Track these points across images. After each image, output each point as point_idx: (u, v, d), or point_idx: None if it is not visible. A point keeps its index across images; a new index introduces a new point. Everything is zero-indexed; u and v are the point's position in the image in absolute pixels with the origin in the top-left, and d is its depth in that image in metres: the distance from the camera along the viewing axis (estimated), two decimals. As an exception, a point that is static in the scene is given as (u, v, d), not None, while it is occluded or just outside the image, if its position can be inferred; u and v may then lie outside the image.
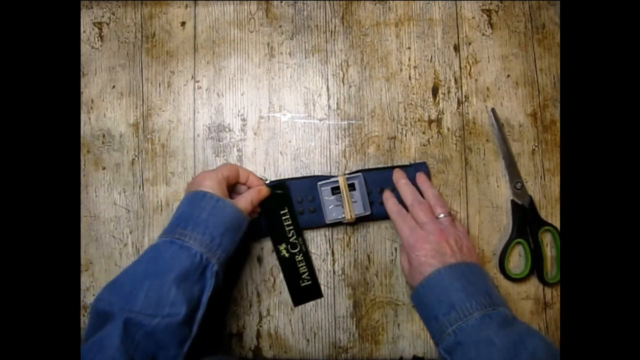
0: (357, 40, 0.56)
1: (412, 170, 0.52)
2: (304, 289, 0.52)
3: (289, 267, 0.51)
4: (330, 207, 0.51)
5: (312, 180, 0.52)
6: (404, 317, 0.51)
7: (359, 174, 0.51)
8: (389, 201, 0.50)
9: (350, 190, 0.50)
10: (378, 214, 0.51)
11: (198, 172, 0.54)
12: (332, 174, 0.53)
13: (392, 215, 0.49)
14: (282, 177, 0.53)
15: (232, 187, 0.50)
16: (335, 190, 0.51)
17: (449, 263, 0.43)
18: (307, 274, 0.51)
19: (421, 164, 0.53)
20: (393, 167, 0.52)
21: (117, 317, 0.37)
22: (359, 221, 0.52)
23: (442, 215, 0.47)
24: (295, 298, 0.52)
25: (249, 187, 0.49)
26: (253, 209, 0.48)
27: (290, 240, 0.51)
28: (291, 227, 0.51)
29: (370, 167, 0.53)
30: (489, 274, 0.45)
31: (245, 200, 0.47)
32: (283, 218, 0.51)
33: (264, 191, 0.49)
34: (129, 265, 0.42)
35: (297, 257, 0.51)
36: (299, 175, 0.54)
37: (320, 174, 0.54)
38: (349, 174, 0.52)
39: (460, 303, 0.40)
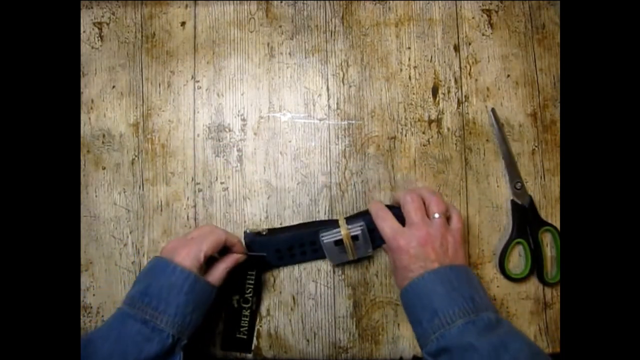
0: (357, 40, 0.56)
1: None
2: (237, 340, 0.51)
3: (232, 317, 0.51)
4: (333, 255, 0.49)
5: (312, 231, 0.50)
6: (404, 317, 0.51)
7: (361, 222, 0.48)
8: (372, 203, 0.49)
9: (353, 240, 0.48)
10: (382, 245, 0.50)
11: (197, 171, 0.54)
12: (333, 220, 0.51)
13: (373, 215, 0.48)
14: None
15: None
16: (339, 242, 0.48)
17: (432, 268, 0.42)
18: (246, 329, 0.51)
19: None
20: (395, 207, 0.50)
21: None
22: (362, 259, 0.52)
23: (436, 216, 0.45)
24: (225, 344, 0.51)
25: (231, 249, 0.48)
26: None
27: (245, 295, 0.51)
28: (251, 287, 0.51)
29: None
30: (475, 275, 0.44)
31: (220, 272, 0.46)
32: (248, 276, 0.50)
33: (240, 259, 0.48)
34: (96, 332, 0.41)
35: (244, 311, 0.51)
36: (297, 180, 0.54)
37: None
38: (349, 218, 0.49)
39: (443, 310, 0.40)
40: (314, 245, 0.50)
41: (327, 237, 0.48)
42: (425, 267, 0.43)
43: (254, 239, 0.50)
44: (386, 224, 0.46)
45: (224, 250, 0.47)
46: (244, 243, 0.50)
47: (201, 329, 0.45)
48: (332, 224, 0.49)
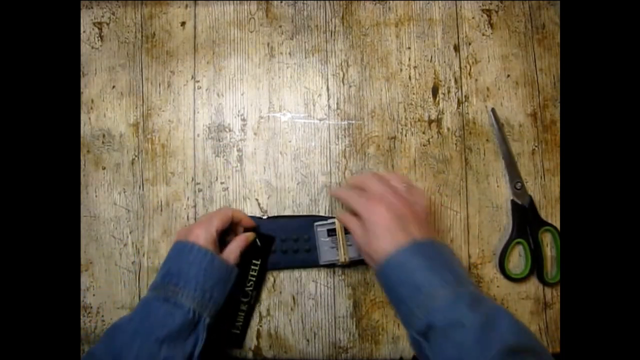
0: (357, 40, 0.56)
1: None
2: (230, 335, 0.50)
3: (228, 310, 0.49)
4: (325, 249, 0.50)
5: (309, 220, 0.51)
6: (404, 317, 0.51)
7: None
8: (332, 189, 0.48)
9: (346, 234, 0.49)
10: None
11: (197, 171, 0.54)
12: (330, 215, 0.52)
13: (339, 196, 0.46)
14: (281, 213, 0.53)
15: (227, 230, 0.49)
16: (331, 232, 0.50)
17: (411, 240, 0.40)
18: (241, 324, 0.50)
19: None
20: None
21: None
22: (353, 264, 0.51)
23: (400, 187, 0.44)
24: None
25: (241, 227, 0.50)
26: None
27: (246, 288, 0.51)
28: (253, 279, 0.51)
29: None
30: (453, 252, 0.43)
31: (234, 251, 0.47)
32: (252, 268, 0.51)
33: (251, 237, 0.50)
34: (123, 319, 0.43)
35: (242, 305, 0.50)
36: (298, 181, 0.54)
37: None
38: None
39: (426, 284, 0.38)
40: (307, 242, 0.51)
41: (321, 226, 0.50)
42: (406, 235, 0.40)
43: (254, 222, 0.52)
44: (355, 196, 0.44)
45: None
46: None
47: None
48: (329, 218, 0.52)
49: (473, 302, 0.37)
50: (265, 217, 0.53)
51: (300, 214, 0.53)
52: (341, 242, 0.49)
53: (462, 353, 0.35)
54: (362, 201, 0.43)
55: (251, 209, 0.53)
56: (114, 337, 0.41)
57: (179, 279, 0.42)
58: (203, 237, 0.45)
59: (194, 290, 0.42)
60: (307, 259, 0.51)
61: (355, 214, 0.44)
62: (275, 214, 0.53)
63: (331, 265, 0.52)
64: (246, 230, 0.51)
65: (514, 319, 0.37)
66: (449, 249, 0.43)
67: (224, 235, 0.48)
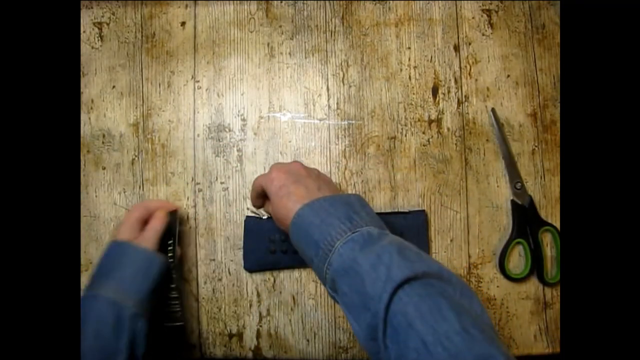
0: (357, 40, 0.56)
1: (410, 218, 0.52)
2: (170, 330, 0.48)
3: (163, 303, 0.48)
4: None
5: None
6: (404, 317, 0.51)
7: None
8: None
9: None
10: None
11: (197, 171, 0.54)
12: None
13: (257, 183, 0.46)
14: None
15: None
16: None
17: (309, 200, 0.40)
18: (179, 312, 0.48)
19: (419, 214, 0.52)
20: (391, 214, 0.51)
21: None
22: None
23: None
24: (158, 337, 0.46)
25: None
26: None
27: (171, 274, 0.48)
28: (172, 260, 0.49)
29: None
30: (358, 198, 0.42)
31: (149, 234, 0.47)
32: (168, 249, 0.49)
33: (163, 215, 0.49)
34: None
35: (171, 292, 0.48)
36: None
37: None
38: None
39: (321, 238, 0.37)
40: None
41: None
42: (299, 199, 0.41)
43: (253, 223, 0.52)
44: (254, 183, 0.46)
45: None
46: (244, 227, 0.52)
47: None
48: None
49: (365, 243, 0.36)
50: (265, 217, 0.52)
51: None
52: None
53: (362, 297, 0.34)
54: (260, 176, 0.45)
55: (251, 209, 0.53)
56: None
57: (98, 275, 0.44)
58: (124, 232, 0.46)
59: (108, 279, 0.43)
60: (294, 259, 0.51)
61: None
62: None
63: None
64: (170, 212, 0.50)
65: (404, 251, 0.36)
66: (353, 196, 0.42)
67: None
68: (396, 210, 0.53)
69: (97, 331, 0.40)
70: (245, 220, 0.52)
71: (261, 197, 0.47)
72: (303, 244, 0.40)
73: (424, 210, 0.52)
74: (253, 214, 0.52)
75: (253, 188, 0.47)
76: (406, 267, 0.34)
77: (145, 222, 0.48)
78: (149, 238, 0.46)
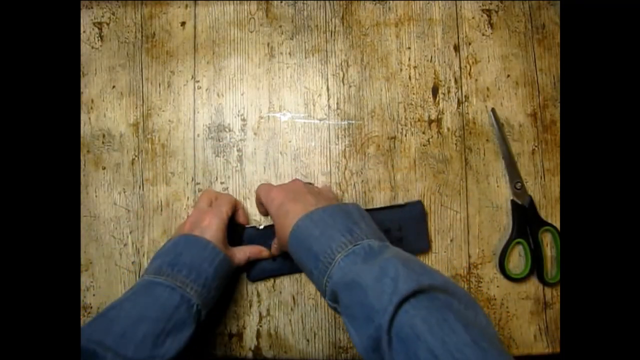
0: (357, 40, 0.56)
1: (407, 210, 0.52)
2: None
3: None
4: None
5: None
6: (404, 317, 0.51)
7: None
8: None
9: None
10: None
11: (197, 171, 0.54)
12: None
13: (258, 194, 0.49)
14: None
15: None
16: None
17: (307, 211, 0.41)
18: None
19: (416, 204, 0.52)
20: (388, 208, 0.52)
21: None
22: None
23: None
24: None
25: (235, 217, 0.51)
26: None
27: None
28: None
29: (371, 207, 0.52)
30: (357, 208, 0.42)
31: (243, 255, 0.48)
32: None
33: (265, 253, 0.50)
34: (117, 302, 0.41)
35: None
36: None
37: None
38: None
39: (321, 251, 0.38)
40: None
41: None
42: (297, 213, 0.41)
43: (252, 233, 0.51)
44: (261, 191, 0.48)
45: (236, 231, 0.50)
46: (243, 239, 0.51)
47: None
48: None
49: (367, 256, 0.36)
50: (261, 226, 0.51)
51: None
52: None
53: (365, 309, 0.34)
54: (262, 190, 0.47)
55: (251, 209, 0.53)
56: (113, 320, 0.39)
57: (190, 272, 0.42)
58: (215, 227, 0.45)
59: (202, 286, 0.42)
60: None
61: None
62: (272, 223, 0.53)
63: None
64: (237, 223, 0.51)
65: (409, 263, 0.36)
66: (352, 206, 0.42)
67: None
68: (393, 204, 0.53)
69: (176, 327, 0.39)
70: (243, 232, 0.51)
71: (263, 206, 0.48)
72: (302, 255, 0.40)
73: (420, 201, 0.52)
74: (250, 225, 0.52)
75: (256, 197, 0.49)
76: (412, 279, 0.33)
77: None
78: (240, 258, 0.48)
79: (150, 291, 0.41)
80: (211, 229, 0.45)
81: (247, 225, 0.52)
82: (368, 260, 0.36)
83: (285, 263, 0.51)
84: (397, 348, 0.32)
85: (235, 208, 0.50)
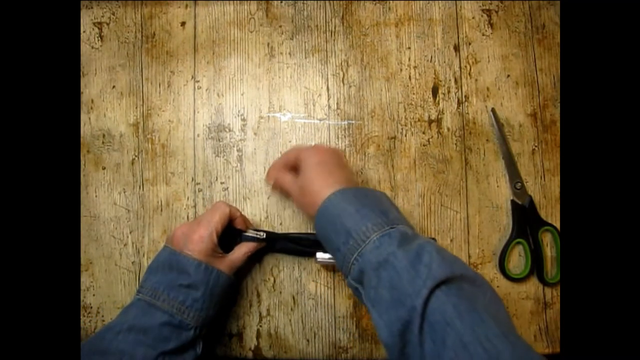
0: (357, 40, 0.56)
1: None
2: None
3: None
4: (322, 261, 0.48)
5: (311, 249, 0.49)
6: (404, 317, 0.51)
7: None
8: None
9: None
10: None
11: (197, 171, 0.54)
12: None
13: (273, 169, 0.49)
14: (280, 215, 0.53)
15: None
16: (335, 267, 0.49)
17: (340, 185, 0.40)
18: None
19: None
20: None
21: None
22: None
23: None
24: None
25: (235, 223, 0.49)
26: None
27: None
28: None
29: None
30: (387, 197, 0.42)
31: (241, 255, 0.47)
32: None
33: (261, 245, 0.50)
34: (119, 323, 0.41)
35: None
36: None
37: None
38: None
39: (356, 228, 0.37)
40: (310, 257, 0.51)
41: (323, 259, 0.47)
42: (331, 184, 0.40)
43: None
44: (289, 153, 0.47)
45: (235, 238, 0.48)
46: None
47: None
48: None
49: (402, 240, 0.36)
50: (262, 236, 0.49)
51: (300, 222, 0.52)
52: None
53: (395, 292, 0.34)
54: (299, 147, 0.46)
55: (251, 209, 0.53)
56: (111, 341, 0.39)
57: (187, 297, 0.42)
58: (205, 244, 0.44)
59: (200, 310, 0.42)
60: (307, 253, 0.51)
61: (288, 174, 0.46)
62: (275, 225, 0.53)
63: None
64: (237, 227, 0.49)
65: (442, 252, 0.36)
66: (380, 192, 0.42)
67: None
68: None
69: (174, 351, 0.40)
70: (241, 239, 0.49)
71: (287, 169, 0.47)
72: (330, 230, 0.39)
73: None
74: (251, 234, 0.49)
75: (284, 156, 0.47)
76: (446, 266, 0.34)
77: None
78: (238, 262, 0.47)
79: (148, 316, 0.41)
80: (201, 245, 0.44)
81: (247, 234, 0.49)
82: (403, 244, 0.36)
83: (282, 243, 0.51)
84: (428, 332, 0.32)
85: (233, 215, 0.48)
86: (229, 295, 0.48)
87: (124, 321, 0.41)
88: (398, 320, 0.33)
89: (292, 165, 0.47)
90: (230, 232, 0.48)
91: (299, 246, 0.50)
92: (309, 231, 0.52)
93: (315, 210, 0.41)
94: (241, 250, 0.47)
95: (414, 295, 0.32)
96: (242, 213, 0.50)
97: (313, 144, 0.46)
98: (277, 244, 0.51)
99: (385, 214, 0.38)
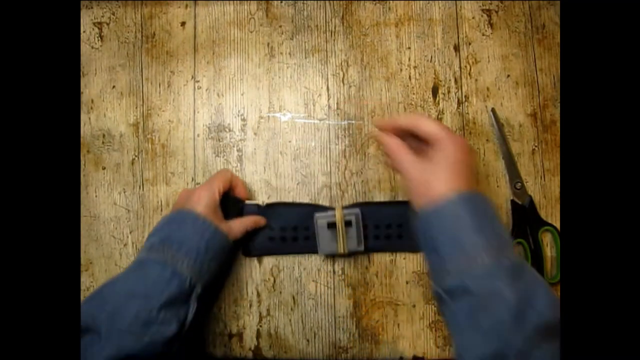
0: (357, 40, 0.56)
1: (410, 207, 0.52)
2: None
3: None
4: (324, 240, 0.50)
5: (309, 210, 0.51)
6: (404, 317, 0.51)
7: (357, 209, 0.49)
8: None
9: (346, 226, 0.49)
10: (372, 249, 0.51)
11: (197, 171, 0.54)
12: (330, 207, 0.52)
13: (398, 120, 0.43)
14: (279, 199, 0.53)
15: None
16: (331, 224, 0.49)
17: (464, 190, 0.37)
18: None
19: None
20: (391, 203, 0.52)
21: (103, 335, 0.37)
22: (352, 254, 0.52)
23: None
24: None
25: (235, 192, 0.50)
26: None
27: None
28: None
29: (370, 200, 0.53)
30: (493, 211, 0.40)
31: (241, 226, 0.48)
32: None
33: (262, 222, 0.51)
34: (113, 279, 0.42)
35: None
36: (299, 176, 0.54)
37: (320, 193, 0.54)
38: (346, 207, 0.51)
39: (470, 244, 0.35)
40: (306, 231, 0.51)
41: (321, 218, 0.49)
42: (460, 186, 0.38)
43: (252, 211, 0.51)
44: (427, 123, 0.41)
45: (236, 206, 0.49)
46: (243, 213, 0.51)
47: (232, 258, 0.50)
48: (329, 209, 0.52)
49: (514, 273, 0.35)
50: (263, 204, 0.52)
51: (301, 201, 0.53)
52: (341, 235, 0.49)
53: (497, 325, 0.33)
54: (442, 126, 0.40)
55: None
56: (107, 296, 0.40)
57: (180, 247, 0.42)
58: (204, 201, 0.45)
59: (194, 261, 0.42)
60: (306, 246, 0.52)
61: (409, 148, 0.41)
62: (274, 201, 0.53)
63: (330, 256, 0.52)
64: (235, 197, 0.50)
65: (552, 294, 0.35)
66: (491, 203, 0.40)
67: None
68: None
69: (168, 302, 0.40)
70: (244, 207, 0.51)
71: (414, 144, 0.42)
72: (439, 232, 0.37)
73: None
74: (251, 202, 0.52)
75: (416, 120, 0.41)
76: (550, 310, 0.34)
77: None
78: (236, 231, 0.47)
79: (141, 268, 0.42)
80: (201, 203, 0.44)
81: (247, 201, 0.52)
82: (515, 277, 0.35)
83: (284, 243, 0.52)
84: None
85: (234, 183, 0.49)
86: (226, 258, 0.47)
87: (118, 277, 0.42)
88: (492, 351, 0.33)
89: (417, 135, 0.41)
90: (232, 201, 0.50)
91: (298, 208, 0.52)
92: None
93: (425, 203, 0.38)
94: (242, 222, 0.48)
95: (517, 334, 0.33)
96: (243, 183, 0.52)
97: (456, 133, 0.42)
98: (273, 218, 0.52)
99: (499, 237, 0.37)
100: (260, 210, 0.52)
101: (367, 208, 0.51)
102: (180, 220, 0.44)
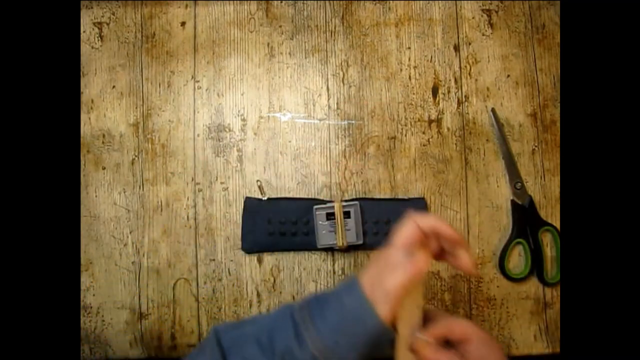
0: (357, 40, 0.56)
1: (410, 204, 0.52)
2: None
3: None
4: (323, 232, 0.51)
5: (309, 203, 0.52)
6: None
7: (356, 202, 0.51)
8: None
9: (345, 218, 0.50)
10: (371, 245, 0.52)
11: (197, 171, 0.54)
12: (330, 199, 0.53)
13: None
14: (282, 195, 0.53)
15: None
16: (330, 215, 0.51)
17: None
18: None
19: (419, 201, 0.53)
20: (391, 200, 0.53)
21: None
22: (352, 249, 0.52)
23: None
24: None
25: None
26: None
27: None
28: None
29: (369, 196, 0.53)
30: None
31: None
32: None
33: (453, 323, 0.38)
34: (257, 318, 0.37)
35: None
36: (299, 173, 0.54)
37: (320, 193, 0.54)
38: (346, 200, 0.52)
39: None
40: (306, 225, 0.52)
41: (321, 209, 0.51)
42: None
43: (253, 203, 0.52)
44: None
45: None
46: (243, 207, 0.52)
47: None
48: (329, 202, 0.52)
49: None
50: (265, 198, 0.53)
51: (301, 196, 0.54)
52: (340, 226, 0.50)
53: None
54: (485, 338, 0.36)
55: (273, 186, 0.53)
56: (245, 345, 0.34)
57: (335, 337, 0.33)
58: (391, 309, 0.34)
59: (322, 341, 0.33)
60: (305, 242, 0.52)
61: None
62: (276, 196, 0.53)
63: (329, 249, 0.52)
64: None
65: None
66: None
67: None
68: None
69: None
70: (245, 201, 0.53)
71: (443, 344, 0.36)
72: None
73: (423, 198, 0.53)
74: (252, 197, 0.53)
75: (449, 325, 0.36)
76: None
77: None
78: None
79: (281, 319, 0.35)
80: (386, 307, 0.34)
81: (249, 196, 0.52)
82: None
83: (283, 239, 0.52)
84: None
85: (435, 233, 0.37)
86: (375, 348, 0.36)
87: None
88: None
89: (451, 338, 0.36)
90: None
91: (299, 202, 0.53)
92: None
93: None
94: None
95: None
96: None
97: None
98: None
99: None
100: (262, 203, 0.52)
101: (366, 203, 0.52)
102: (357, 316, 0.34)
